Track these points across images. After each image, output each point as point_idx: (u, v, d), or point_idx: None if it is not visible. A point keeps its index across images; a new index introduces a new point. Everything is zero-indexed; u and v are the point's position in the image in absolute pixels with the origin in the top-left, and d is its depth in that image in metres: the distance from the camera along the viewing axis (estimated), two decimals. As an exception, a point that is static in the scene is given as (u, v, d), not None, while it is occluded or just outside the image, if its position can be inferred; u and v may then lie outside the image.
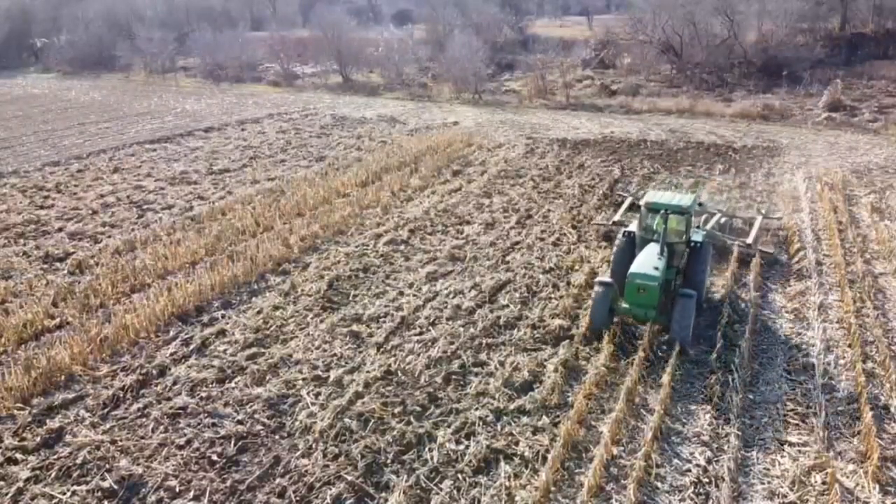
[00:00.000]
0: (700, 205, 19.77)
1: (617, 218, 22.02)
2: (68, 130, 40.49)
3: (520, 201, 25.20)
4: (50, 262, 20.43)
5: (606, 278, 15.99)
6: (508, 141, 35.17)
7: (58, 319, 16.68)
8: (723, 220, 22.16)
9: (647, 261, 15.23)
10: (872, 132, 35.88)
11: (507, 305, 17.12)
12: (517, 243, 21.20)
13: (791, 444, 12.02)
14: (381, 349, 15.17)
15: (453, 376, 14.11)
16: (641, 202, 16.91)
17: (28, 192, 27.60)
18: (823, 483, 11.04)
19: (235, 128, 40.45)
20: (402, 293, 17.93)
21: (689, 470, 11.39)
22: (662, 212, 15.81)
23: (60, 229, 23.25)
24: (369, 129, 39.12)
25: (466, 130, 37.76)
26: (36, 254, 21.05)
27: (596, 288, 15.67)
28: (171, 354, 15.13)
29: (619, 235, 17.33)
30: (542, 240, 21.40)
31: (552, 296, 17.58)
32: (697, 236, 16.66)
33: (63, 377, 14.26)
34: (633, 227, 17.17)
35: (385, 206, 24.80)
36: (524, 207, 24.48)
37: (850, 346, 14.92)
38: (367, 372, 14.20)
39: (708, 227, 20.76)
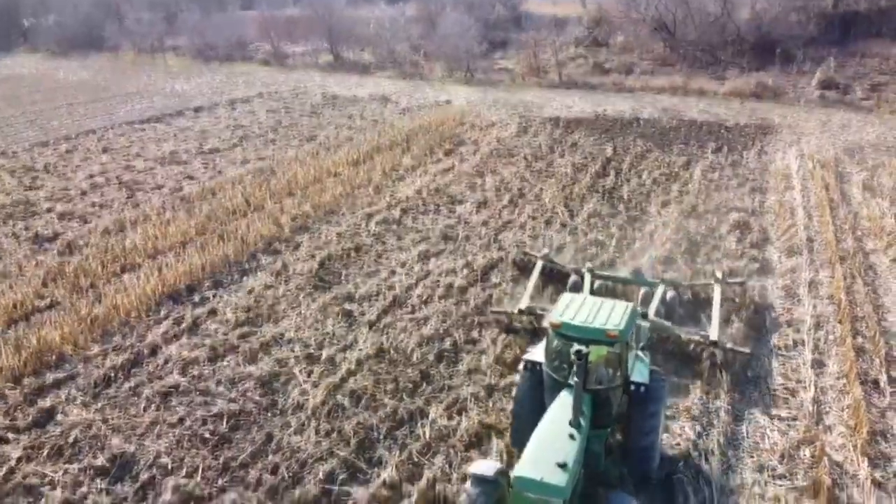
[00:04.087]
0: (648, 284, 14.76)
1: (524, 304, 15.00)
2: (57, 111, 39.98)
3: (512, 180, 25.10)
4: (39, 243, 20.30)
5: (487, 469, 8.99)
6: (501, 120, 34.97)
7: (48, 299, 16.65)
8: (669, 294, 15.32)
9: (548, 446, 8.83)
10: (865, 110, 35.84)
11: (500, 284, 17.13)
12: (509, 222, 21.15)
13: (781, 419, 12.13)
14: (374, 327, 15.18)
15: (445, 354, 14.18)
16: (546, 321, 10.79)
17: (16, 173, 27.29)
18: (812, 456, 11.15)
19: (225, 107, 40.02)
20: (394, 272, 17.90)
21: (680, 444, 11.48)
22: (579, 347, 9.26)
23: (50, 210, 23.06)
24: (360, 109, 38.79)
25: (458, 109, 37.49)
26: (25, 234, 20.90)
27: (467, 490, 8.98)
28: (163, 334, 15.09)
29: (520, 368, 11.06)
30: (534, 219, 21.35)
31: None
32: (642, 372, 10.29)
33: (54, 357, 14.23)
34: (539, 352, 10.76)
35: (377, 186, 24.67)
36: (516, 187, 24.39)
37: (840, 321, 15.02)
38: (360, 350, 14.23)
39: (651, 308, 14.20)
